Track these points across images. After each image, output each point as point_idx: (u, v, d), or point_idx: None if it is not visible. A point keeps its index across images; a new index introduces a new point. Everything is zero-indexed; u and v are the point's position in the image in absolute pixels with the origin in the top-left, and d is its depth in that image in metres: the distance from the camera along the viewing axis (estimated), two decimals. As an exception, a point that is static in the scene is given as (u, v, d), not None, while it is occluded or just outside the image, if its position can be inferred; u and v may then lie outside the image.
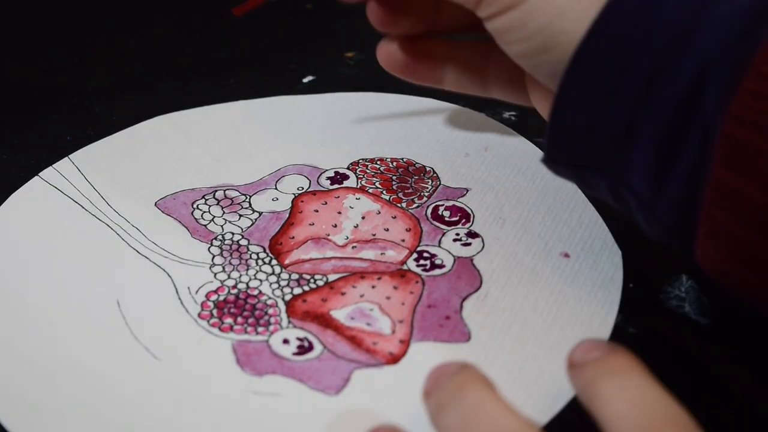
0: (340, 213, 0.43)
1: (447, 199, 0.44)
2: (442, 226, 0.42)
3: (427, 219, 0.43)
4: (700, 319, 0.38)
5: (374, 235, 0.42)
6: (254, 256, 0.41)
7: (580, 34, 0.33)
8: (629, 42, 0.32)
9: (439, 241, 0.41)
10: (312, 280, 0.40)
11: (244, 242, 0.42)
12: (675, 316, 0.38)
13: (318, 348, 0.37)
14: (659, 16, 0.32)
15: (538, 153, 0.46)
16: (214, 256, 0.41)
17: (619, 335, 0.37)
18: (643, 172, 0.33)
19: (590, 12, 0.33)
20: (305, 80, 0.53)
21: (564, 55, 0.34)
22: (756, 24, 0.31)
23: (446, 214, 0.43)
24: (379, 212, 0.43)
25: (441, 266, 0.40)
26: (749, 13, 0.31)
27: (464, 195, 0.44)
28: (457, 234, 0.42)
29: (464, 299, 0.39)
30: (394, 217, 0.43)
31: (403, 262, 0.40)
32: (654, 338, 0.37)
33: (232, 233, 0.42)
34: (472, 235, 0.42)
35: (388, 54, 0.42)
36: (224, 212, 0.43)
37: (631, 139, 0.33)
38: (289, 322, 0.38)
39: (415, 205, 0.43)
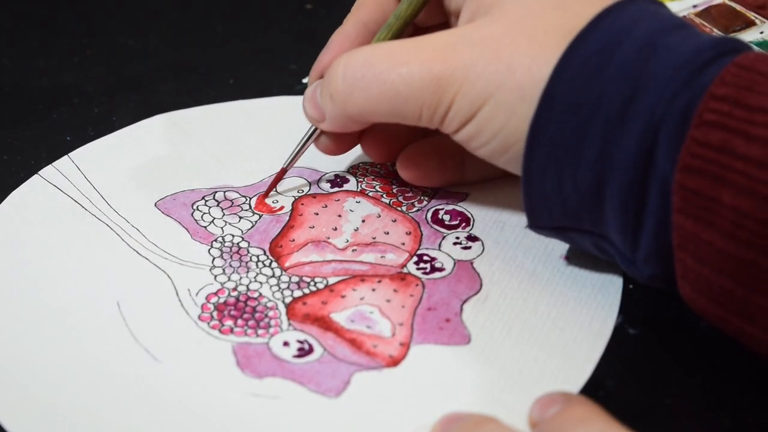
0: (340, 216, 0.43)
1: (447, 203, 0.44)
2: (442, 230, 0.42)
3: (428, 222, 0.43)
4: (700, 320, 0.38)
5: (374, 238, 0.42)
6: (254, 259, 0.41)
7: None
8: (580, 110, 0.34)
9: (439, 245, 0.41)
10: (312, 283, 0.40)
11: (244, 244, 0.42)
12: (675, 318, 0.38)
13: (318, 350, 0.37)
14: (605, 80, 0.34)
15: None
16: (214, 258, 0.41)
17: (619, 337, 0.37)
18: (617, 229, 0.35)
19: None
20: (305, 80, 0.53)
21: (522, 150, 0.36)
22: (696, 74, 0.33)
23: (446, 217, 0.43)
24: (380, 215, 0.43)
25: (441, 269, 0.40)
26: (689, 63, 0.33)
27: (464, 199, 0.44)
28: (457, 237, 0.42)
29: (464, 302, 0.39)
30: (395, 221, 0.43)
31: (403, 265, 0.40)
32: (654, 339, 0.37)
33: (233, 235, 0.42)
34: (472, 238, 0.42)
35: (406, 170, 0.43)
36: (224, 214, 0.43)
37: (600, 199, 0.35)
38: (290, 324, 0.38)
39: (415, 209, 0.43)
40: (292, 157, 0.44)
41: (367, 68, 0.38)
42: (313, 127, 0.42)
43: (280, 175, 0.44)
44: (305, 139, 0.43)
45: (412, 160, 0.43)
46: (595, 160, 0.34)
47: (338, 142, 0.43)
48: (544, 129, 0.34)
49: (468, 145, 0.38)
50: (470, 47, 0.36)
